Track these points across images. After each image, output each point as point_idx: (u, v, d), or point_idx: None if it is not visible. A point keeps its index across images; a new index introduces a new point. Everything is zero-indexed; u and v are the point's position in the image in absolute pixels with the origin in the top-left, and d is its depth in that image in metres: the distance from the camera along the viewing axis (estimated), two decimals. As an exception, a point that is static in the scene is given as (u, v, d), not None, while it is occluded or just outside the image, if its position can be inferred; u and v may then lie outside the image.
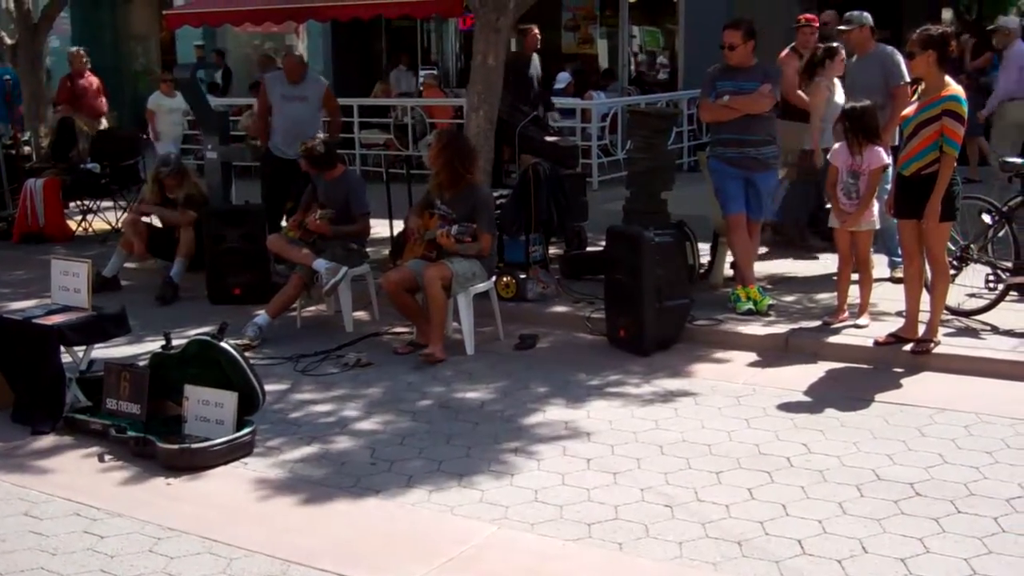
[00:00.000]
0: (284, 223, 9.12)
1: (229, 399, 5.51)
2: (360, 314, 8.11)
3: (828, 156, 7.19)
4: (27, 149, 12.59)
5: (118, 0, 23.26)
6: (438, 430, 5.79)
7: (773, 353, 6.90)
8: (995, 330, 6.89)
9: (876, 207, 7.12)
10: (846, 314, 7.13)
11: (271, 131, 9.66)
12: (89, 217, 11.72)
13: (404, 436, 5.71)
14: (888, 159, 7.12)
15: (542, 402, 6.18)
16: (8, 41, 13.20)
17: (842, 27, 8.19)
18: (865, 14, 8.17)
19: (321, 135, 8.91)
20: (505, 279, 8.06)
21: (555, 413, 5.99)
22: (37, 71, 13.29)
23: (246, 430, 5.50)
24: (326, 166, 7.93)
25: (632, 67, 18.53)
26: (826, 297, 7.75)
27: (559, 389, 6.39)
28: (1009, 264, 7.13)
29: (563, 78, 16.15)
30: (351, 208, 7.86)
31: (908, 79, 7.78)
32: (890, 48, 8.25)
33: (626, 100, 15.09)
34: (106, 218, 11.69)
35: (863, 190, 6.97)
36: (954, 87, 6.35)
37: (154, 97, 13.95)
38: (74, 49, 13.92)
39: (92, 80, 13.55)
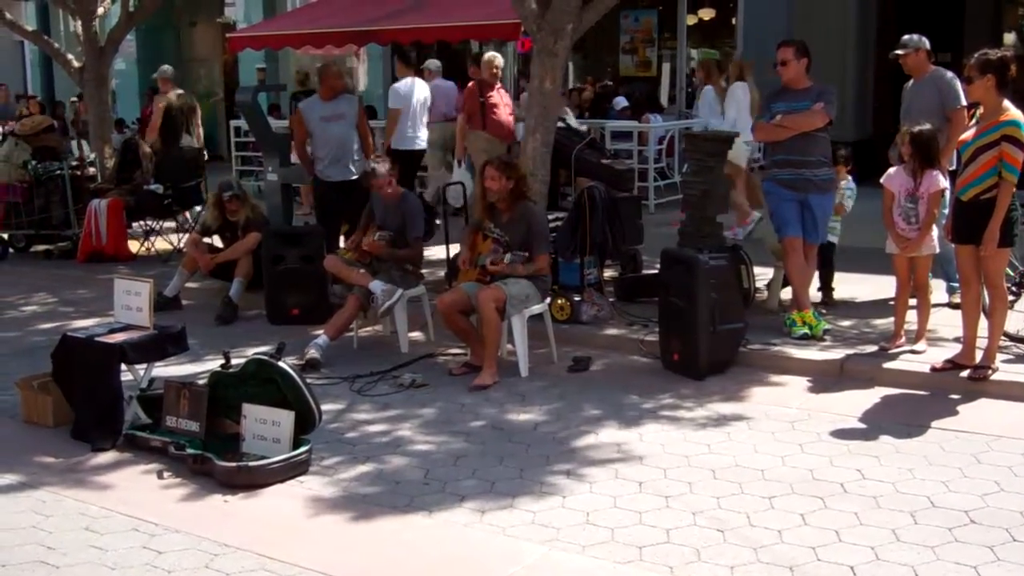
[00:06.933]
0: (342, 244, 9.24)
1: (286, 418, 5.58)
2: (416, 335, 8.17)
3: (882, 180, 7.14)
4: (92, 170, 12.85)
5: (182, 23, 23.68)
6: (491, 451, 5.82)
7: (828, 378, 6.86)
8: (1055, 357, 6.81)
9: (936, 231, 7.07)
10: (903, 339, 7.07)
11: (314, 158, 9.58)
12: (152, 237, 11.94)
13: (457, 456, 5.75)
14: (946, 183, 7.07)
15: (595, 424, 6.19)
16: (76, 64, 13.48)
17: (898, 51, 8.12)
18: (923, 38, 8.11)
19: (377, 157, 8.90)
20: (560, 301, 8.09)
21: (608, 436, 6.00)
22: (103, 93, 13.56)
23: (302, 449, 5.57)
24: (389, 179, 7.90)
25: (690, 89, 18.49)
26: (883, 322, 7.69)
27: (612, 412, 6.40)
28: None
29: (619, 102, 16.19)
30: (407, 231, 7.94)
31: (965, 103, 7.73)
32: (949, 73, 8.18)
33: (683, 123, 15.08)
34: (168, 238, 11.90)
35: (923, 214, 6.93)
36: (1013, 112, 6.30)
37: None
38: (490, 55, 11.22)
39: (503, 96, 11.08)
